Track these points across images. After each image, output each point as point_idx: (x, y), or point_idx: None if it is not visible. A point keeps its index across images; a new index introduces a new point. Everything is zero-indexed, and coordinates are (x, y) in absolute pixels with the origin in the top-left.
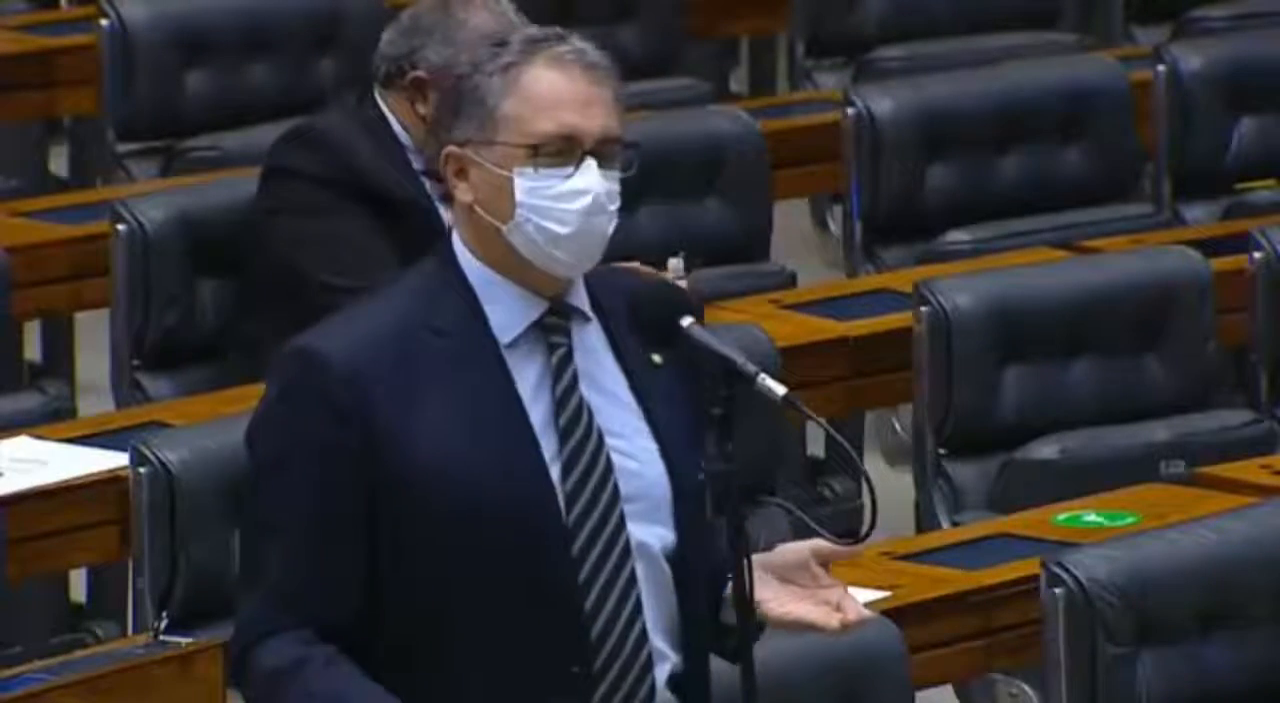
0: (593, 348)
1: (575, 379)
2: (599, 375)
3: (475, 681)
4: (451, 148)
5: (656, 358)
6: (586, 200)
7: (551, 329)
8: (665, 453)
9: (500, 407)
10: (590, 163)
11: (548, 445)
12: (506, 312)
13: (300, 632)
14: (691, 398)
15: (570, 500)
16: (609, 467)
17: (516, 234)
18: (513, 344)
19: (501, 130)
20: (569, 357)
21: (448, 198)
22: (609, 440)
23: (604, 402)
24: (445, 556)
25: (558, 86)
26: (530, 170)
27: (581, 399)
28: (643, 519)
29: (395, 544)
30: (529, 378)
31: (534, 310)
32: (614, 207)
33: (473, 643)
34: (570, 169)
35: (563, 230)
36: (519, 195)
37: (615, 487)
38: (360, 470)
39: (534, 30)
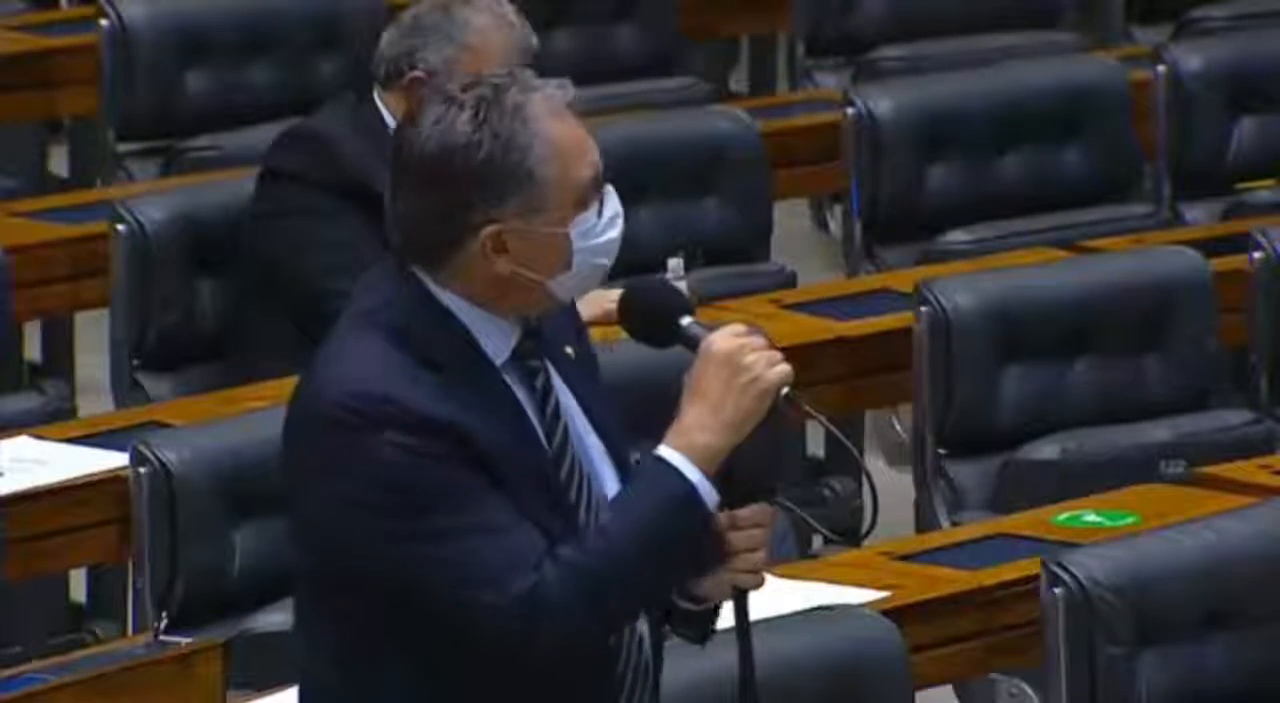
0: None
1: (559, 405)
2: (562, 391)
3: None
4: (496, 228)
5: (569, 350)
6: (620, 226)
7: (528, 355)
8: (612, 451)
9: (515, 419)
10: (609, 189)
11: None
12: (488, 340)
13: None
14: (602, 385)
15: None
16: (589, 482)
17: (566, 283)
18: (502, 368)
19: (550, 192)
20: (549, 381)
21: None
22: (579, 452)
23: (569, 416)
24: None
25: (571, 133)
26: (590, 217)
27: (565, 425)
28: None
29: None
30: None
31: (510, 337)
32: None
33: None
34: (597, 203)
35: (605, 261)
36: (577, 244)
37: (598, 501)
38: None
39: (519, 78)
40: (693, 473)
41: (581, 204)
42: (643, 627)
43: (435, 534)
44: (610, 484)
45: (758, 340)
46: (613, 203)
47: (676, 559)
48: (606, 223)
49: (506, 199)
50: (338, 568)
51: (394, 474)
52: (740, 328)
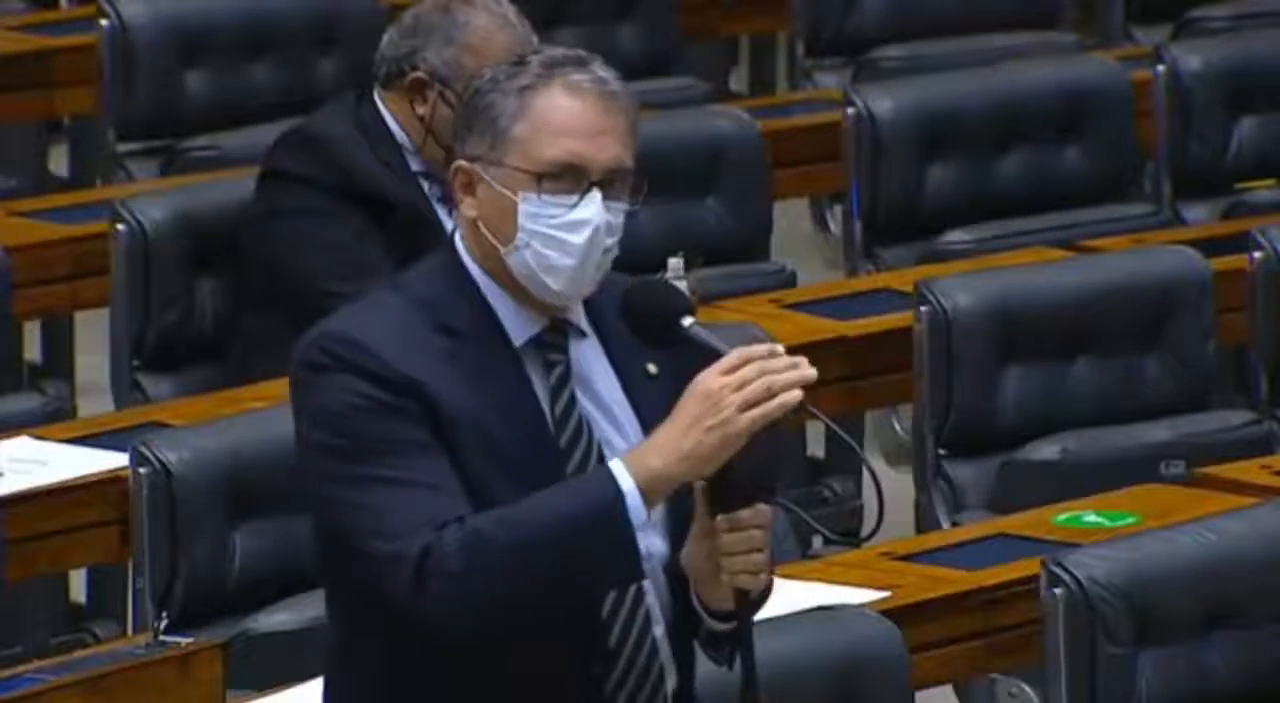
0: (590, 361)
1: (573, 397)
2: (597, 388)
3: (488, 687)
4: (461, 162)
5: (652, 368)
6: (587, 232)
7: (549, 346)
8: None
9: (521, 400)
10: (595, 195)
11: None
12: (509, 320)
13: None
14: None
15: None
16: None
17: (514, 258)
18: (521, 350)
19: (510, 153)
20: (566, 374)
21: (446, 200)
22: (608, 454)
23: (601, 415)
24: None
25: (570, 114)
26: (534, 197)
27: (581, 418)
28: (641, 531)
29: None
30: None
31: (533, 326)
32: (611, 240)
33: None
34: (575, 199)
35: (560, 260)
36: (521, 220)
37: None
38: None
39: (556, 52)
40: (626, 482)
41: (537, 180)
42: (658, 630)
43: (358, 479)
44: None
45: (748, 372)
46: (591, 210)
47: (582, 558)
48: (570, 223)
49: (470, 138)
50: (312, 514)
51: (337, 416)
52: (732, 361)
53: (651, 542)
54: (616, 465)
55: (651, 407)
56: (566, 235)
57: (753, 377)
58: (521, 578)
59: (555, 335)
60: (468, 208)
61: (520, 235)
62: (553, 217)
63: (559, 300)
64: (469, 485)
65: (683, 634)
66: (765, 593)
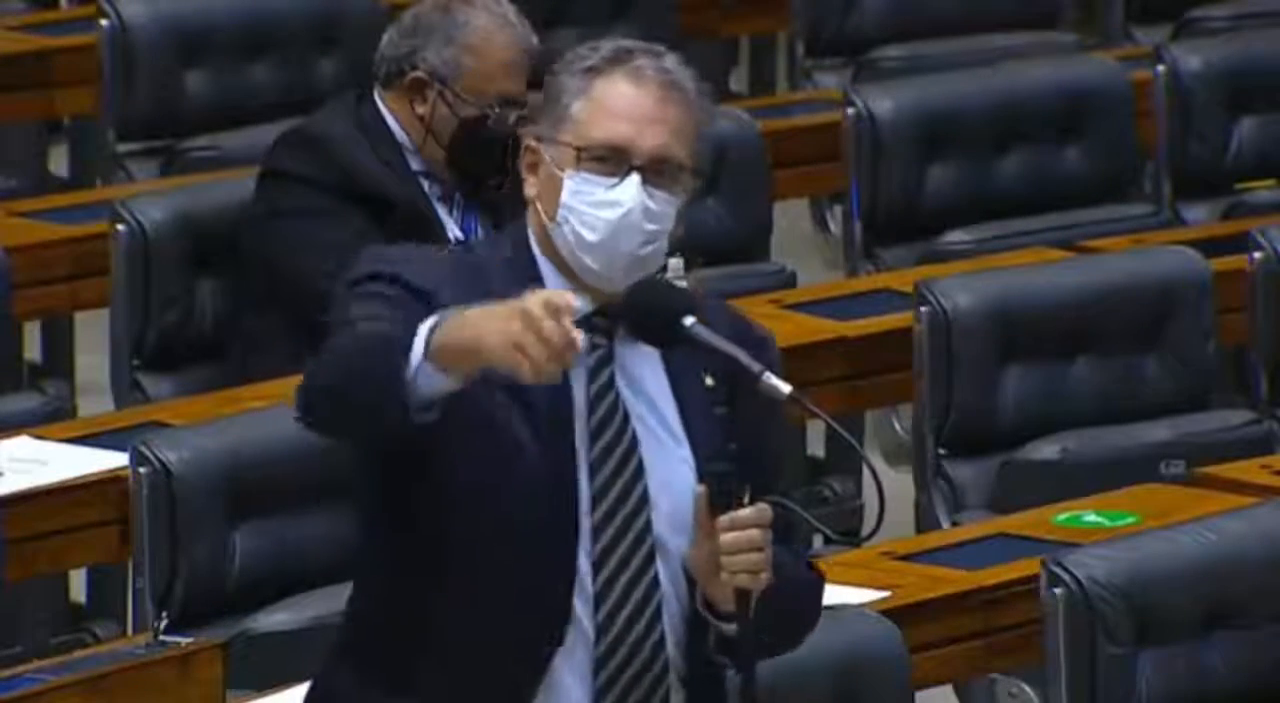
0: (642, 359)
1: (612, 380)
2: (644, 384)
3: (466, 673)
4: (529, 141)
5: (709, 380)
6: (618, 212)
7: (594, 329)
8: (699, 465)
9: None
10: (634, 177)
11: (580, 443)
12: None
13: None
14: (733, 420)
15: (597, 499)
16: (639, 470)
17: (557, 234)
18: None
19: (565, 131)
20: (608, 358)
21: (446, 199)
22: (644, 445)
23: (644, 409)
24: (453, 516)
25: (627, 99)
26: (576, 173)
27: (617, 400)
28: (670, 526)
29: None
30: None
31: (583, 307)
32: (652, 226)
33: (464, 628)
34: (615, 180)
35: (590, 237)
36: (564, 196)
37: (645, 490)
38: None
39: (632, 42)
40: (426, 324)
41: (581, 158)
42: (662, 627)
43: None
44: (675, 494)
45: (539, 310)
46: (627, 192)
47: (369, 371)
48: (603, 200)
49: (540, 117)
50: None
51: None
52: (561, 302)
53: (677, 539)
54: (429, 321)
55: (701, 416)
56: (598, 212)
57: (541, 318)
58: (330, 376)
59: (604, 321)
60: (529, 186)
61: (561, 211)
62: (591, 194)
63: (601, 282)
64: (469, 415)
65: (702, 629)
66: (815, 597)
